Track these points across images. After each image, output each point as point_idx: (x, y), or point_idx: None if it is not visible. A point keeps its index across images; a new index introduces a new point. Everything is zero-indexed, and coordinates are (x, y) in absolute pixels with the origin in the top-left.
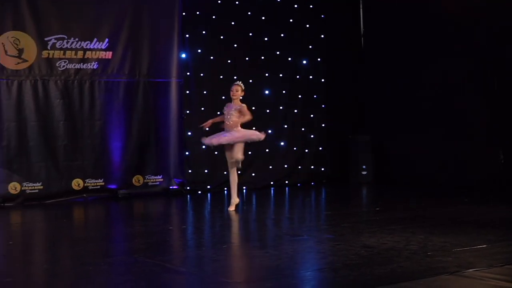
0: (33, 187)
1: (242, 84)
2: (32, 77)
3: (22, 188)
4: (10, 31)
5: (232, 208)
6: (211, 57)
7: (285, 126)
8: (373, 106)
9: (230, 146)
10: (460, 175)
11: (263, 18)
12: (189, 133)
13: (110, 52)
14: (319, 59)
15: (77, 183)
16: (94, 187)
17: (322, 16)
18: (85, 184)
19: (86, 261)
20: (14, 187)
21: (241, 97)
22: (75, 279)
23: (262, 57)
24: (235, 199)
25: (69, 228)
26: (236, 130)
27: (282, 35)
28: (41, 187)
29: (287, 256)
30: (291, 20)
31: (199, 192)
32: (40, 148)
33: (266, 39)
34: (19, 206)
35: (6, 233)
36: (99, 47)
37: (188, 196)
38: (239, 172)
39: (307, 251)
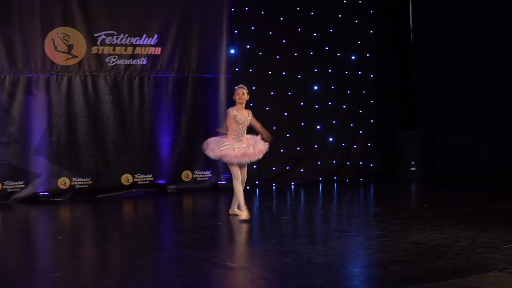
0: (82, 182)
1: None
2: (82, 72)
3: (72, 183)
4: (59, 27)
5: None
6: (260, 53)
7: (334, 121)
8: (422, 102)
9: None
10: (510, 171)
11: (312, 13)
12: None
13: (159, 48)
14: (368, 55)
15: (126, 178)
16: (143, 182)
17: (371, 11)
18: (134, 179)
19: (135, 256)
20: (63, 182)
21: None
22: (124, 274)
23: (311, 53)
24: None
25: (118, 223)
26: (253, 144)
27: (331, 30)
28: (90, 182)
29: (335, 252)
30: (340, 16)
31: (248, 187)
32: (89, 144)
33: (315, 34)
34: (69, 201)
35: (55, 228)
36: (149, 43)
37: None
38: (287, 168)
39: (355, 247)
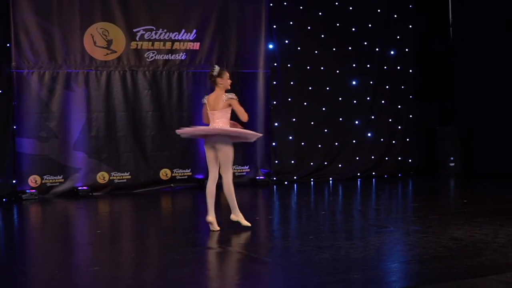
0: (121, 177)
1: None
2: (121, 68)
3: (111, 178)
4: (99, 23)
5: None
6: (298, 48)
7: (372, 117)
8: (462, 97)
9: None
10: None
11: (351, 8)
12: (276, 124)
13: (198, 43)
14: (407, 50)
15: (164, 173)
16: (182, 177)
17: (410, 6)
18: (173, 174)
19: (173, 251)
20: (102, 177)
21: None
22: (162, 269)
23: (350, 48)
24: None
25: (156, 217)
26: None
27: (369, 25)
28: (129, 176)
29: (373, 248)
30: (378, 10)
31: (286, 182)
32: (128, 138)
33: (353, 29)
34: (107, 196)
35: (94, 222)
36: (187, 38)
37: (275, 186)
38: (325, 163)
39: (393, 243)
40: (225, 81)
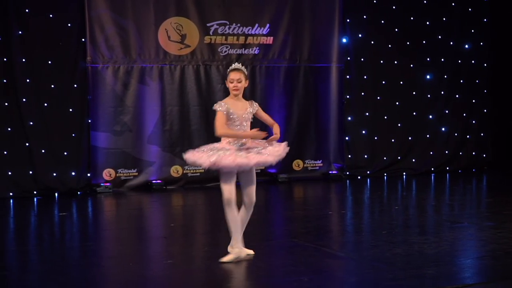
0: (194, 171)
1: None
2: (195, 62)
3: (184, 172)
4: (173, 17)
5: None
6: (372, 42)
7: (446, 111)
8: None
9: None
10: None
11: (425, 1)
12: (349, 118)
13: (271, 37)
14: (481, 44)
15: None
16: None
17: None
18: None
19: (246, 244)
20: (176, 171)
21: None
22: (235, 262)
23: (424, 42)
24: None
25: None
26: (261, 145)
27: (444, 19)
28: (202, 170)
29: (447, 243)
30: (453, 4)
31: (359, 177)
32: (201, 132)
33: (427, 23)
34: (181, 189)
35: (167, 215)
36: (260, 33)
37: (348, 181)
38: (398, 158)
39: (467, 239)
40: (228, 84)
